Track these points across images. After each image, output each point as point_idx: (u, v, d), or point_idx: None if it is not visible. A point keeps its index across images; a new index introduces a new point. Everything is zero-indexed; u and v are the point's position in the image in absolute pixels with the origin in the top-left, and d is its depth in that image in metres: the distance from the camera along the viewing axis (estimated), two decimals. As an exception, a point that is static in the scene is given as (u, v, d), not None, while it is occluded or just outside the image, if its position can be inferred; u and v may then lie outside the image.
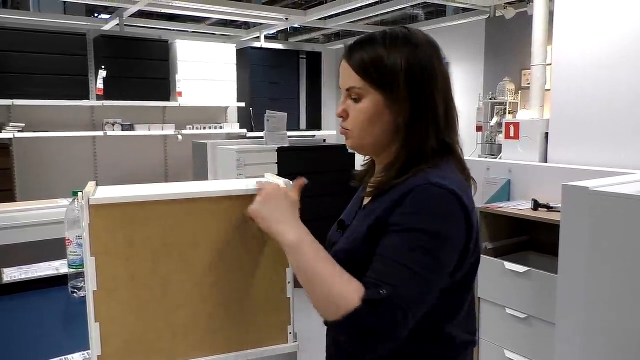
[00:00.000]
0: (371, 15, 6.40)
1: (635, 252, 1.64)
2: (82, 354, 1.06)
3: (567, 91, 2.52)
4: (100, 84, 5.11)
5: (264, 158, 4.45)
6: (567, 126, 2.52)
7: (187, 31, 7.70)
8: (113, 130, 5.54)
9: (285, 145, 4.70)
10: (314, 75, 8.11)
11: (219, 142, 5.05)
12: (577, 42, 2.48)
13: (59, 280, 1.51)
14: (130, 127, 5.70)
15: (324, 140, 6.20)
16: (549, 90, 2.82)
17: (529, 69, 3.46)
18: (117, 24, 6.14)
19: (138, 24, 6.91)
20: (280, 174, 4.82)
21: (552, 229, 1.96)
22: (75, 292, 1.43)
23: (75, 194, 1.42)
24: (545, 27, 4.00)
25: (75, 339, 1.13)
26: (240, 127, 6.88)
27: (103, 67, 5.14)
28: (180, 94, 5.96)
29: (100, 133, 5.47)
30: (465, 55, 6.60)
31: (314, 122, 8.10)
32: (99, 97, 5.20)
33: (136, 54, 5.66)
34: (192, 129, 6.34)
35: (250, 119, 7.02)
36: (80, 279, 1.43)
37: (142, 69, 5.73)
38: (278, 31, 7.77)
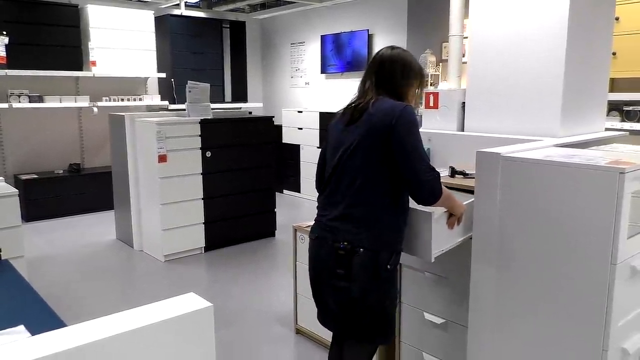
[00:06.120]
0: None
1: (541, 211, 1.75)
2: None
3: (482, 63, 2.60)
4: (2, 52, 4.71)
5: (187, 131, 4.29)
6: (482, 97, 2.62)
7: (101, -4, 7.23)
8: (19, 102, 5.14)
9: (209, 117, 4.56)
10: (238, 46, 7.90)
11: (138, 114, 4.82)
12: (492, 17, 2.55)
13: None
14: (40, 99, 5.32)
15: (250, 113, 6.10)
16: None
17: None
18: (20, -14, 5.64)
19: (44, -13, 6.39)
20: (204, 146, 4.72)
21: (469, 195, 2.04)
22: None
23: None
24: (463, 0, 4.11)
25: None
26: (162, 99, 6.60)
27: (5, 32, 4.73)
28: (94, 63, 5.62)
29: (5, 105, 5.06)
30: (388, 27, 6.67)
31: (240, 94, 7.92)
32: (1, 67, 4.79)
33: (43, 19, 5.25)
34: (110, 101, 6.02)
35: (173, 91, 6.75)
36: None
37: (50, 35, 5.33)
38: (200, -1, 7.47)
